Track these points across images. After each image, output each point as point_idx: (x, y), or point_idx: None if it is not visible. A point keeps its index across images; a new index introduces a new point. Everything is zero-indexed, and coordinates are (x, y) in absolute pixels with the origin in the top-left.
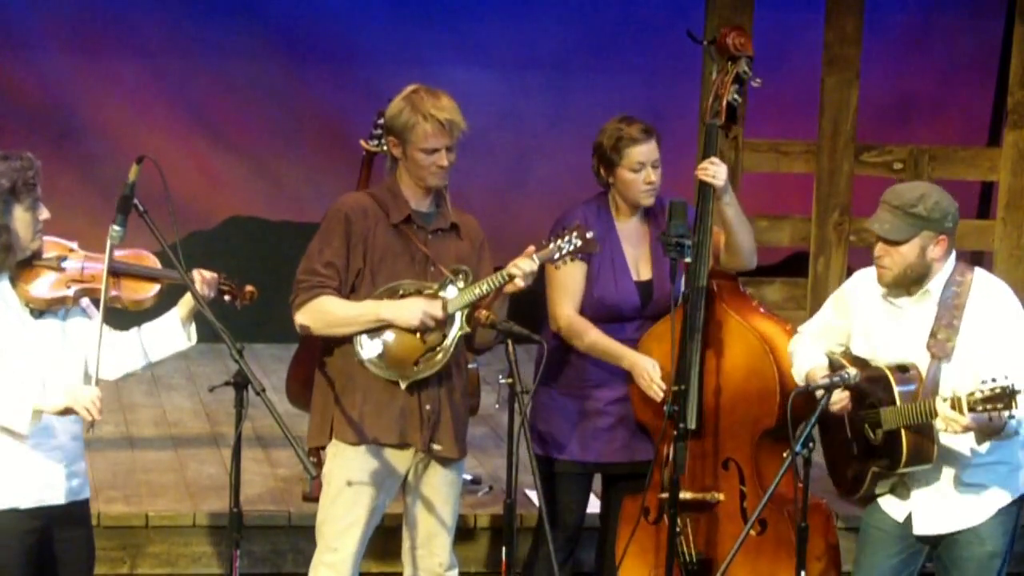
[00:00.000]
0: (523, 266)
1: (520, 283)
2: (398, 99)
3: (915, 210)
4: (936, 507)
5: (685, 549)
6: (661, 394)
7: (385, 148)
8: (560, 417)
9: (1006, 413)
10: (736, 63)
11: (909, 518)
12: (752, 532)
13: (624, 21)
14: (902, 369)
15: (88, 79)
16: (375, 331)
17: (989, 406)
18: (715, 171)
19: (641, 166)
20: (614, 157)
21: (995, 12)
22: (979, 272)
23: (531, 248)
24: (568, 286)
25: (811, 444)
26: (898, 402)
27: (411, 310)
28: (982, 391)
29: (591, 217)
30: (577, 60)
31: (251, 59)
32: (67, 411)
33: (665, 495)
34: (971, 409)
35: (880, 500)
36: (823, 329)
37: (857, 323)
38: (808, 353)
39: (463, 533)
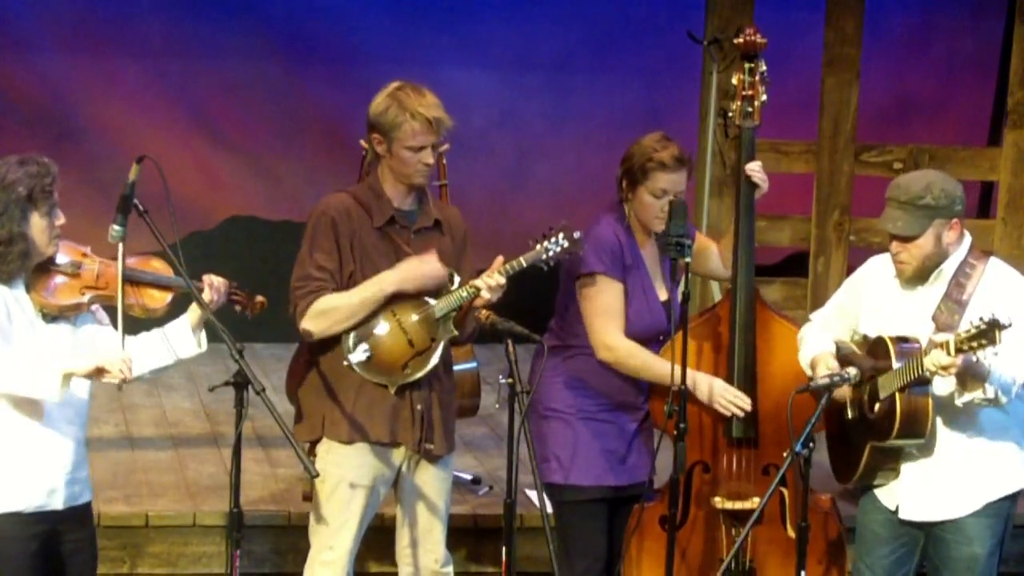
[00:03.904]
0: (489, 281)
1: (486, 295)
2: (382, 96)
3: (924, 201)
4: (924, 492)
5: (728, 556)
6: (746, 405)
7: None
8: (583, 443)
9: (991, 349)
10: (757, 62)
11: (899, 510)
12: (792, 535)
13: (624, 21)
14: (903, 339)
15: (88, 79)
16: (363, 336)
17: (975, 343)
18: (764, 174)
19: (663, 193)
20: (639, 176)
21: (995, 12)
22: (994, 260)
23: (499, 259)
24: (611, 309)
25: (811, 444)
26: (894, 366)
27: (413, 274)
28: (968, 330)
29: (621, 236)
30: (577, 60)
31: (251, 59)
32: (98, 372)
33: (719, 500)
34: (958, 349)
35: (874, 491)
36: (834, 314)
37: (868, 304)
38: (816, 340)
39: (463, 533)
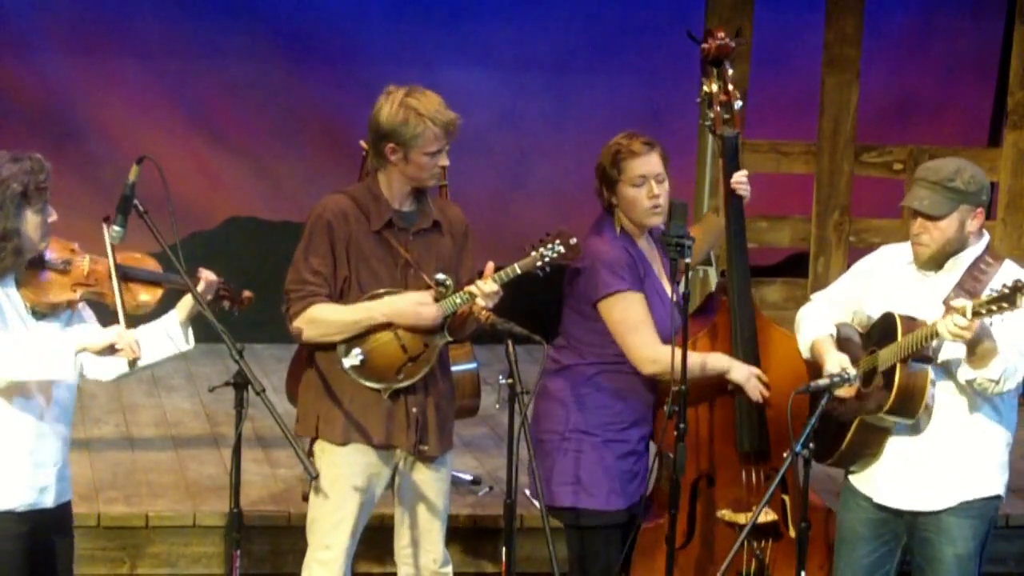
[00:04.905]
0: (484, 287)
1: (481, 302)
2: (393, 106)
3: (953, 184)
4: (902, 479)
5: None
6: (766, 393)
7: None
8: (605, 466)
9: (1008, 314)
10: (724, 67)
11: (876, 495)
12: (793, 535)
13: (624, 22)
14: (911, 319)
15: (88, 79)
16: (357, 341)
17: (994, 307)
18: (747, 184)
19: (643, 180)
20: (613, 173)
21: (995, 12)
22: (1009, 262)
23: (490, 265)
24: (643, 322)
25: (811, 444)
26: (899, 338)
27: (405, 309)
28: (989, 295)
29: (628, 247)
30: (577, 60)
31: (251, 59)
32: (110, 348)
33: (726, 513)
34: (976, 313)
35: (851, 479)
36: (837, 296)
37: (878, 289)
38: (817, 322)
39: (463, 533)
